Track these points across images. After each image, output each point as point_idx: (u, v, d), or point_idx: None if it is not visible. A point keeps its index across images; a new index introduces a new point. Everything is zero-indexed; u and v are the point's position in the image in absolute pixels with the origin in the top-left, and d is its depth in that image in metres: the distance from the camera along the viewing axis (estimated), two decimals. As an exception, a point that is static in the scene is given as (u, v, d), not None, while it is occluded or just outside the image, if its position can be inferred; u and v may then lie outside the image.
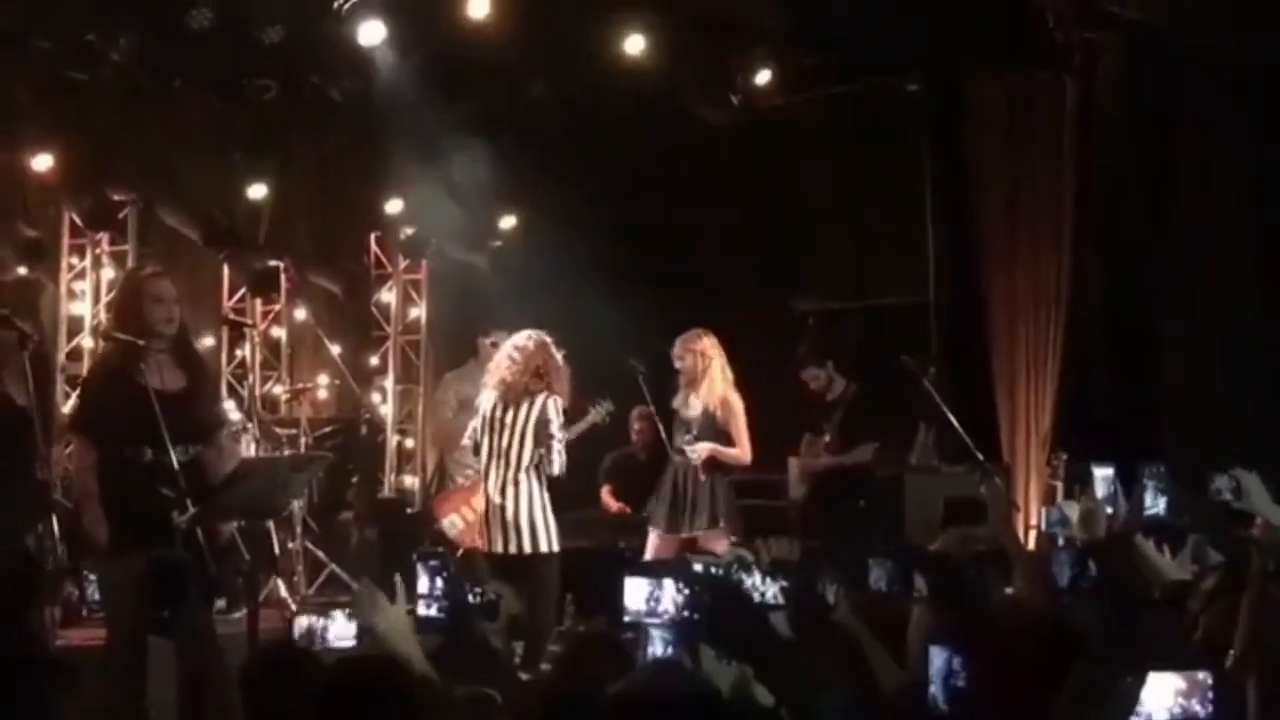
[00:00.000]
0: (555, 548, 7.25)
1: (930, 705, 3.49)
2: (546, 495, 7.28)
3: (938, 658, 3.52)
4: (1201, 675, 3.58)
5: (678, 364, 8.17)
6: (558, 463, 7.21)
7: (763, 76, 10.92)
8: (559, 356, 7.41)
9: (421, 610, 5.09)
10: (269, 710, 3.62)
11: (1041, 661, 3.49)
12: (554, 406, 7.21)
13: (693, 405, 8.12)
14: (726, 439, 8.08)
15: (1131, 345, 10.60)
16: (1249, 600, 4.10)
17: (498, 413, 7.34)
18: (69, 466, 7.96)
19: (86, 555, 6.34)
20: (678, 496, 8.06)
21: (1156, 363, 10.55)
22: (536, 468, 7.21)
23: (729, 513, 8.11)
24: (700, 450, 7.95)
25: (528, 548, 7.17)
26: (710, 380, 8.08)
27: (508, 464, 7.26)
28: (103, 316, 10.57)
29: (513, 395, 7.32)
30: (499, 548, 7.25)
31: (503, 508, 7.23)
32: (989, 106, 11.18)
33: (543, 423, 7.17)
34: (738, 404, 8.11)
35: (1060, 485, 9.80)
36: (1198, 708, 3.55)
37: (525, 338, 7.47)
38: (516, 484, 7.22)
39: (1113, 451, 9.28)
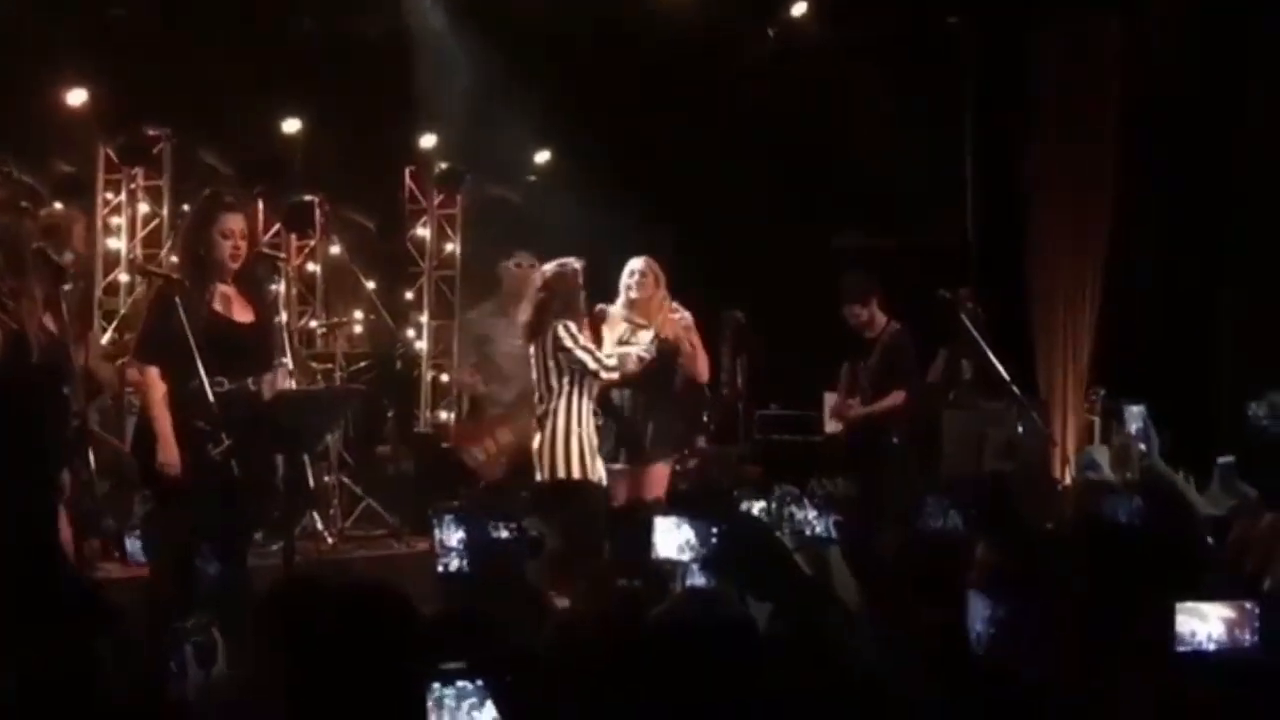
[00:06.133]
0: (588, 476, 7.17)
1: (973, 646, 3.48)
2: (585, 425, 7.20)
3: (978, 601, 3.50)
4: (1249, 605, 3.58)
5: (634, 285, 7.62)
6: (589, 366, 7.06)
7: (798, 8, 10.79)
8: (569, 280, 7.26)
9: (449, 564, 5.08)
10: (292, 634, 3.67)
11: (1091, 596, 3.47)
12: (564, 331, 7.14)
13: (641, 336, 7.62)
14: (675, 364, 7.74)
15: (1172, 283, 10.51)
16: None
17: (529, 350, 7.36)
18: (109, 400, 8.00)
19: (145, 490, 6.34)
20: (629, 427, 7.73)
21: (1197, 299, 10.46)
22: (570, 397, 7.16)
23: (677, 438, 7.95)
24: None
25: (547, 475, 7.13)
26: (665, 311, 7.66)
27: (539, 398, 7.26)
28: (139, 251, 10.61)
29: (528, 333, 7.34)
30: (536, 478, 7.26)
31: (539, 440, 7.22)
32: (1037, 41, 11.04)
33: (559, 350, 7.13)
34: (689, 317, 7.72)
35: (1098, 421, 9.78)
36: (1245, 637, 3.55)
37: (539, 274, 7.45)
38: (550, 415, 7.18)
39: (1149, 386, 9.27)
